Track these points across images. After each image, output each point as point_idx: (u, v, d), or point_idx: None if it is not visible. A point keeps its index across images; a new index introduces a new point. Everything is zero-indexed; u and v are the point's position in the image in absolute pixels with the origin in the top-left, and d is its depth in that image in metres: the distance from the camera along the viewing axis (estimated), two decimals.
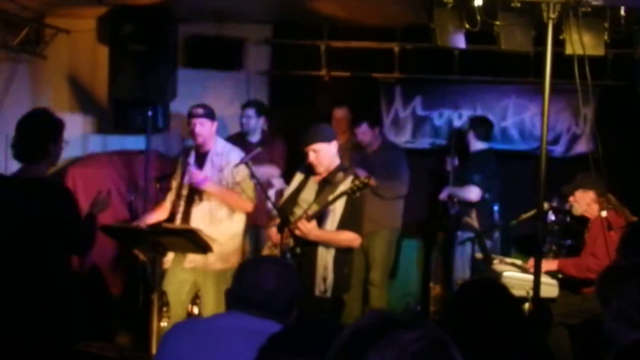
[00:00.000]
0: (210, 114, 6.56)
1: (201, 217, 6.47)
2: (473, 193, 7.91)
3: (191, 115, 6.57)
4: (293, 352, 2.10)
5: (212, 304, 6.49)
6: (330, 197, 5.59)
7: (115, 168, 8.22)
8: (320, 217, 5.62)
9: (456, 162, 8.23)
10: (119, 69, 7.74)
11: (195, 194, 6.53)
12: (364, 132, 8.11)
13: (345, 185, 5.61)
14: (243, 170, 6.37)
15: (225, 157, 6.54)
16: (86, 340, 5.24)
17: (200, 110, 6.54)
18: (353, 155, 8.00)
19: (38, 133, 4.95)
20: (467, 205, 7.94)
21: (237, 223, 6.59)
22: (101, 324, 7.10)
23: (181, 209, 6.58)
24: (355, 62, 8.96)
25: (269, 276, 3.13)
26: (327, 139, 5.83)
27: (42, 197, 4.89)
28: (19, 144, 4.93)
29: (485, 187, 7.92)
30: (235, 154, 6.56)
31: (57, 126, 5.04)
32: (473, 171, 8.00)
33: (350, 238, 5.73)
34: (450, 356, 1.63)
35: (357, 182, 5.50)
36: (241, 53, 8.81)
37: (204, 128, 6.51)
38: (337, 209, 5.66)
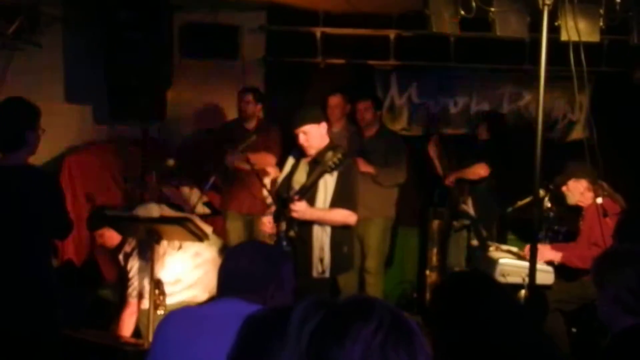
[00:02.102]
0: None
1: None
2: (482, 168, 7.91)
3: None
4: (269, 335, 2.13)
5: None
6: (312, 176, 5.61)
7: (111, 157, 8.23)
8: (311, 198, 5.65)
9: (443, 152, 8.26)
10: (114, 57, 7.72)
11: None
12: (367, 109, 8.08)
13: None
14: None
15: None
16: (61, 329, 5.24)
17: None
18: (351, 142, 7.98)
19: (15, 121, 4.91)
20: (463, 192, 7.95)
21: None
22: (97, 312, 7.11)
23: None
24: (351, 49, 8.95)
25: (245, 256, 3.22)
26: (316, 120, 5.83)
27: (24, 184, 4.87)
28: None
29: (493, 169, 7.93)
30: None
31: (34, 113, 4.98)
32: (481, 158, 8.01)
33: (344, 214, 5.75)
34: (410, 329, 1.65)
35: (335, 159, 5.47)
36: (236, 40, 8.80)
37: None
38: (329, 187, 5.67)
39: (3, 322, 4.75)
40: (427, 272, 8.68)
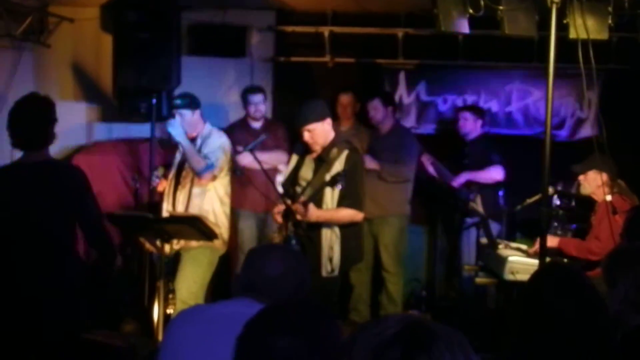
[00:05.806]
0: (189, 104, 6.52)
1: (182, 199, 6.47)
2: (498, 173, 7.88)
3: (172, 107, 6.68)
4: (275, 332, 2.13)
5: (182, 281, 6.45)
6: (316, 186, 5.68)
7: (120, 156, 8.24)
8: (318, 198, 5.67)
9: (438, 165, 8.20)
10: (123, 57, 7.73)
11: (180, 178, 6.56)
12: (376, 108, 8.06)
13: (340, 162, 5.68)
14: (214, 143, 6.43)
15: (204, 139, 6.52)
16: (89, 329, 5.21)
17: (178, 101, 6.59)
18: (363, 140, 7.95)
19: (42, 119, 4.86)
20: (472, 190, 7.93)
21: (207, 201, 6.47)
22: (107, 312, 7.12)
23: (170, 190, 6.60)
24: (359, 48, 8.96)
25: (275, 262, 3.13)
26: (320, 118, 5.84)
27: (59, 178, 4.83)
28: (24, 132, 4.81)
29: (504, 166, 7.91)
30: (215, 136, 6.55)
31: (52, 106, 4.96)
32: (489, 151, 7.98)
33: (350, 214, 5.77)
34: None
35: (337, 174, 5.53)
36: (245, 40, 8.81)
37: (184, 119, 6.48)
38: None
39: (27, 322, 4.69)
40: (437, 270, 8.68)
